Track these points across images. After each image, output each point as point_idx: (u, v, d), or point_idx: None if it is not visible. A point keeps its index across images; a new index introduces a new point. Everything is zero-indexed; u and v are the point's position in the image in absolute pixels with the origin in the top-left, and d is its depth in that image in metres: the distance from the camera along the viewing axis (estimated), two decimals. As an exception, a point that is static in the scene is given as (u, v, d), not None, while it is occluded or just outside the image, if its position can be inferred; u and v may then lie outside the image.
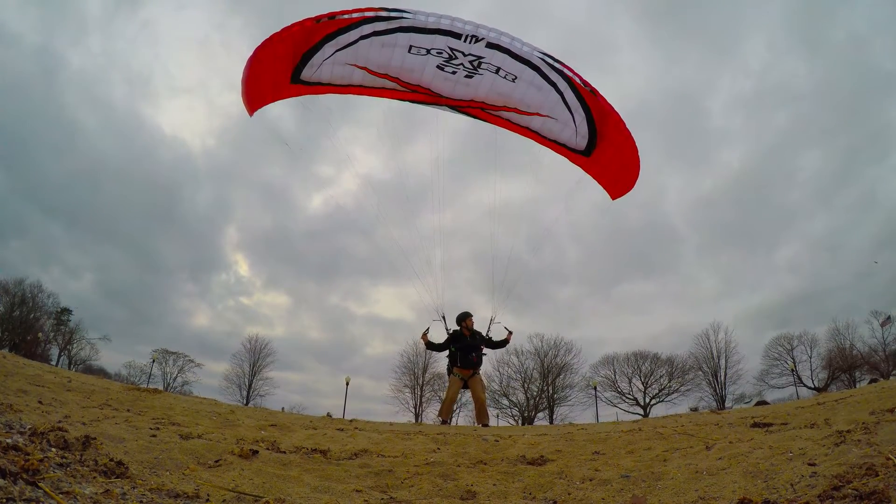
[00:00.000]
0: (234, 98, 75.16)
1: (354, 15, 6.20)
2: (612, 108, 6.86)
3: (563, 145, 7.31)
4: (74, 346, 46.26)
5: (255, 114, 6.87)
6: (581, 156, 7.29)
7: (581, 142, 7.13)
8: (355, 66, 6.57)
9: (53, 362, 40.20)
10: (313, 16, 6.18)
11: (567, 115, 6.92)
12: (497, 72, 6.64)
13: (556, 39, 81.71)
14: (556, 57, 6.66)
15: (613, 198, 7.62)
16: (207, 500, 2.43)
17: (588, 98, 6.78)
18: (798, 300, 55.19)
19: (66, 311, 46.60)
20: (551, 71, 6.63)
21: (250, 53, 6.30)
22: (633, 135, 6.97)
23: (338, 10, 6.23)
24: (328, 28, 6.19)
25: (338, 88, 6.93)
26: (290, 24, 6.17)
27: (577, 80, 6.71)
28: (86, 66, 70.49)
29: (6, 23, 63.18)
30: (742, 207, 64.06)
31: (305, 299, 65.61)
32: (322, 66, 6.50)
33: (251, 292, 65.77)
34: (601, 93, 6.78)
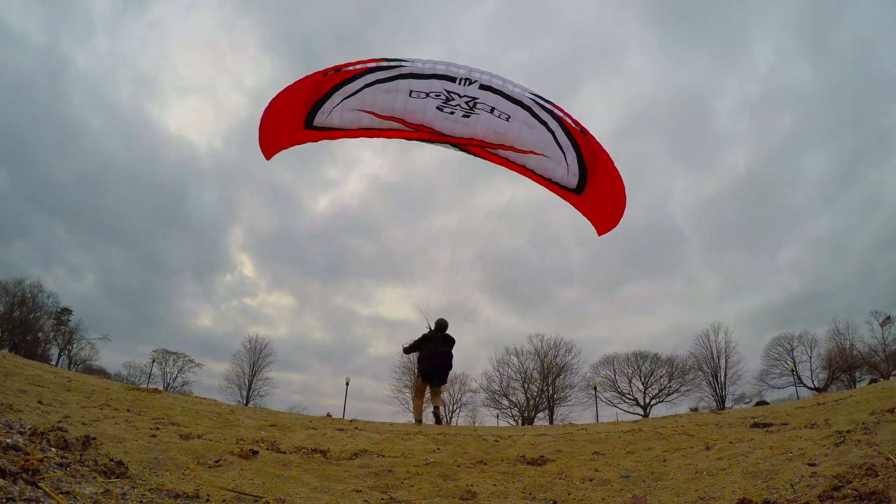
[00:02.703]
0: (241, 99, 75.41)
1: (358, 66, 6.74)
2: (602, 146, 7.14)
3: (556, 183, 7.65)
4: (74, 346, 46.28)
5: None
6: (572, 193, 7.63)
7: (572, 180, 7.47)
8: (363, 111, 7.11)
9: (53, 362, 40.19)
10: (321, 69, 6.82)
11: (559, 153, 7.26)
12: (492, 111, 7.04)
13: (565, 42, 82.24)
14: (547, 97, 7.02)
15: (599, 234, 7.91)
16: (207, 500, 2.43)
17: (578, 137, 7.09)
18: (800, 300, 55.32)
19: (66, 311, 46.61)
20: (542, 111, 6.98)
21: (266, 104, 6.89)
22: (620, 174, 7.25)
23: (343, 62, 6.81)
24: (335, 79, 6.77)
25: (349, 133, 7.44)
26: (302, 77, 6.78)
27: (568, 119, 7.03)
28: (92, 65, 70.49)
29: (11, 22, 63.29)
30: (746, 208, 64.25)
31: (309, 300, 65.67)
32: (332, 112, 7.06)
33: (255, 293, 65.79)
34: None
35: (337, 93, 6.84)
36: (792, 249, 61.45)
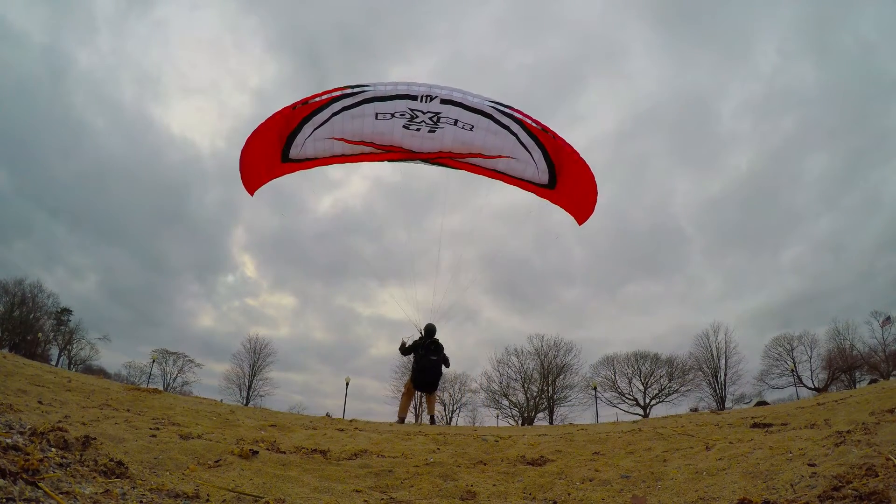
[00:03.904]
0: (245, 99, 75.18)
1: (324, 97, 7.01)
2: (566, 141, 7.44)
3: (529, 181, 7.94)
4: (74, 346, 46.26)
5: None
6: (546, 189, 7.94)
7: (543, 177, 7.79)
8: (334, 138, 7.39)
9: (53, 362, 40.17)
10: (290, 104, 7.07)
11: (526, 154, 7.56)
12: (455, 123, 7.32)
13: (569, 43, 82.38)
14: (505, 103, 7.35)
15: (580, 223, 8.21)
16: (207, 500, 2.43)
17: (540, 136, 7.38)
18: (801, 301, 55.27)
19: (66, 311, 46.58)
20: (503, 116, 7.27)
21: (244, 143, 7.16)
22: (588, 164, 7.55)
23: (309, 95, 7.07)
24: (303, 112, 7.04)
25: (324, 161, 7.73)
26: (272, 114, 7.03)
27: (528, 120, 7.31)
28: (94, 65, 70.36)
29: (12, 21, 63.24)
30: (748, 209, 64.41)
31: (311, 300, 65.55)
32: (305, 144, 7.35)
33: (257, 293, 65.61)
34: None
35: (307, 124, 7.12)
36: (793, 250, 61.57)
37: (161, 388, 32.90)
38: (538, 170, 7.65)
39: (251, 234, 68.73)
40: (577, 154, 7.43)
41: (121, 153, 66.70)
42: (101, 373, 40.21)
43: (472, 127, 7.30)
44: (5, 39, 58.13)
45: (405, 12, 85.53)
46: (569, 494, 3.06)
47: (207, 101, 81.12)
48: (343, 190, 68.04)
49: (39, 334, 43.76)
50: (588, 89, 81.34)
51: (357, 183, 66.73)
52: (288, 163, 7.47)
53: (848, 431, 3.40)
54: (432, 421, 10.77)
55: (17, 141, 54.81)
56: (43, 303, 45.01)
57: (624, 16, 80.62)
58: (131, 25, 72.68)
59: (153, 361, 44.77)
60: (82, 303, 54.03)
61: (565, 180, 7.68)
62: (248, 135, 7.08)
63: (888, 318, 38.18)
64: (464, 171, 8.02)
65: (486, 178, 7.99)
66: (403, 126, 7.27)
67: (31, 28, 66.34)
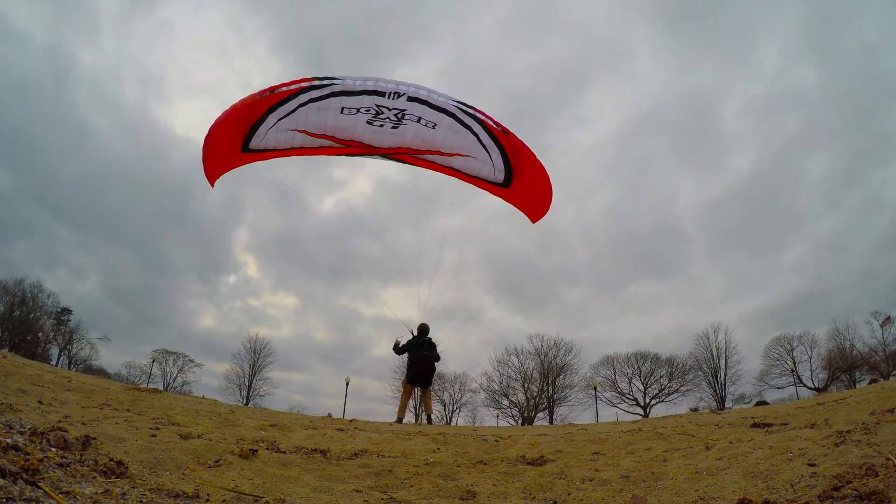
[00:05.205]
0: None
1: (293, 87, 6.94)
2: (524, 143, 7.62)
3: (485, 180, 8.09)
4: (74, 346, 46.27)
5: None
6: (501, 188, 8.11)
7: (499, 176, 7.95)
8: (296, 130, 7.35)
9: (53, 362, 40.17)
10: (256, 91, 6.98)
11: (484, 153, 7.70)
12: (419, 121, 7.41)
13: (574, 44, 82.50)
14: (469, 104, 7.45)
15: (533, 221, 8.41)
16: (207, 500, 2.43)
17: (500, 137, 7.51)
18: (801, 301, 55.39)
19: (66, 310, 46.58)
20: (466, 116, 7.37)
21: (206, 131, 7.04)
22: (544, 166, 7.72)
23: (277, 83, 7.00)
24: (270, 101, 6.95)
25: (282, 153, 7.69)
26: (237, 102, 6.92)
27: (490, 122, 7.44)
28: (97, 65, 70.38)
29: (15, 21, 63.24)
30: (751, 210, 64.67)
31: (314, 300, 65.43)
32: (267, 134, 7.27)
33: (259, 293, 65.52)
34: (514, 132, 7.67)
35: (272, 114, 7.03)
36: (794, 250, 61.74)
37: (161, 387, 32.91)
38: (494, 169, 7.82)
39: (254, 235, 68.57)
40: (535, 156, 7.61)
41: (123, 153, 66.77)
42: (101, 373, 40.20)
43: (435, 125, 7.39)
44: (8, 39, 58.20)
45: (410, 13, 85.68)
46: (569, 494, 3.06)
47: (211, 101, 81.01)
48: (347, 190, 68.14)
49: (39, 334, 43.75)
50: (592, 90, 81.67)
51: (361, 183, 66.60)
52: (248, 153, 7.41)
53: (848, 431, 3.40)
54: (429, 420, 10.95)
55: (19, 141, 54.94)
56: (43, 303, 45.05)
57: (628, 17, 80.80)
58: (135, 25, 72.77)
59: (153, 361, 44.76)
60: (83, 303, 54.16)
61: (520, 180, 7.85)
62: (211, 123, 6.93)
63: (888, 318, 38.19)
64: (420, 168, 8.12)
65: (442, 174, 8.10)
66: (367, 122, 7.30)
67: (34, 28, 66.49)
